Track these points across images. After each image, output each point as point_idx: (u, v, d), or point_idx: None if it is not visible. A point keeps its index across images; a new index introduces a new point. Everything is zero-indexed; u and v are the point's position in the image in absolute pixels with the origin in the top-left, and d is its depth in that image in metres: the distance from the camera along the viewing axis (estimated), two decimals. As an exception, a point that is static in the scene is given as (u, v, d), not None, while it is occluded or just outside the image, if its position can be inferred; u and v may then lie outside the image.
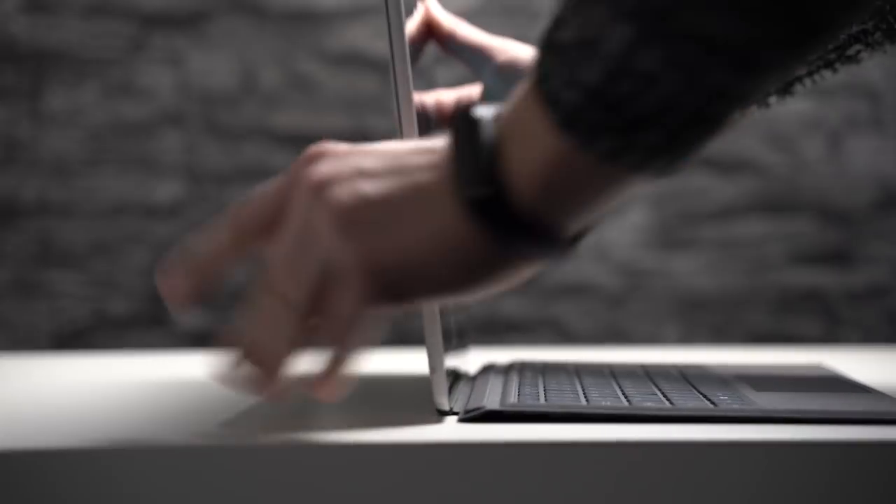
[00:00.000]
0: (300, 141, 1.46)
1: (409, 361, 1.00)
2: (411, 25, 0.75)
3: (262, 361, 0.60)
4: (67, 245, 1.44)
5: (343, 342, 0.60)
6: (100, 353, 1.22)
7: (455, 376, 0.79)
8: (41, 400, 0.76)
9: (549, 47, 0.56)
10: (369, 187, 0.60)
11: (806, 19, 0.54)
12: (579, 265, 1.45)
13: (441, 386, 0.68)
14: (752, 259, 1.46)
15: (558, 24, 0.56)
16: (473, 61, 0.86)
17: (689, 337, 1.45)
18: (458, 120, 0.59)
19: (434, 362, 0.68)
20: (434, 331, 0.68)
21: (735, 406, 0.67)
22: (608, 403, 0.67)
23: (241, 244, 0.62)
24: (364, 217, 0.59)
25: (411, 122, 0.68)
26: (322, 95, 1.45)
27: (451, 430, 0.63)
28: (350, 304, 0.60)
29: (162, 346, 1.44)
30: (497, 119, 0.59)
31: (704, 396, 0.70)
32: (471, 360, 1.03)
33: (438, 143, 0.60)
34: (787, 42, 0.54)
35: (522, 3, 1.45)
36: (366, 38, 1.45)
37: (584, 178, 0.57)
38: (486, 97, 0.84)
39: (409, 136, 0.68)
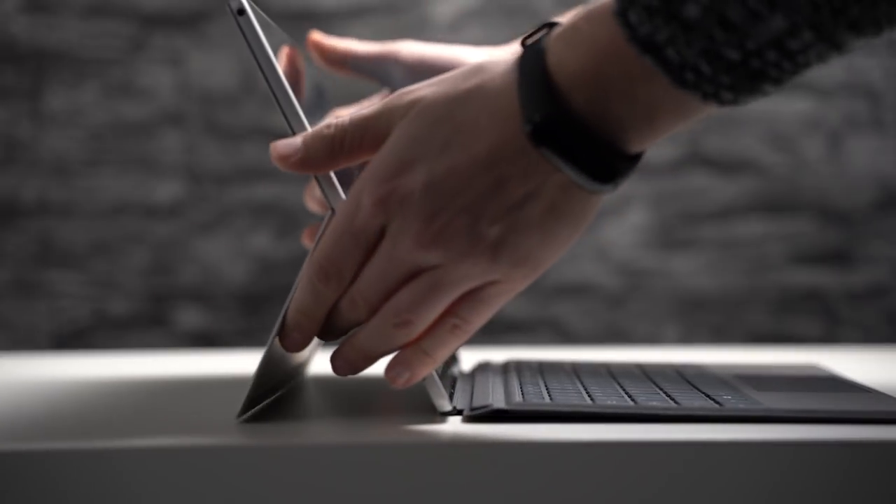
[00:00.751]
0: (300, 141, 1.46)
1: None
2: (283, 62, 0.74)
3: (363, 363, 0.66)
4: (67, 245, 1.44)
5: (457, 341, 0.65)
6: (100, 353, 1.22)
7: (452, 378, 0.79)
8: (41, 400, 0.76)
9: (663, 16, 0.57)
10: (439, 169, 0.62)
11: None
12: (579, 265, 1.46)
13: (436, 389, 0.68)
14: (752, 259, 1.46)
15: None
16: (378, 72, 0.86)
17: (689, 337, 1.45)
18: (525, 55, 0.62)
19: None
20: None
21: (741, 405, 0.67)
22: (614, 402, 0.67)
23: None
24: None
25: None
26: (322, 95, 1.45)
27: (458, 430, 0.63)
28: (504, 299, 0.64)
29: (162, 346, 1.44)
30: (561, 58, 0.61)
31: (708, 396, 0.70)
32: (463, 358, 1.03)
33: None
34: None
35: (522, 3, 1.45)
36: (366, 38, 1.45)
37: (674, 110, 0.59)
38: None
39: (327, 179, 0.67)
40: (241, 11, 0.65)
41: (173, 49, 1.45)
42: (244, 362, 1.03)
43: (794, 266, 1.46)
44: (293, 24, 1.45)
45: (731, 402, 0.68)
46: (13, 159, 1.44)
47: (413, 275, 0.63)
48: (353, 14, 1.45)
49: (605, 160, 0.60)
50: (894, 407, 0.68)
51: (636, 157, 0.62)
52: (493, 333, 1.45)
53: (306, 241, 0.89)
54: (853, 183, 1.46)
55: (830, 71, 1.45)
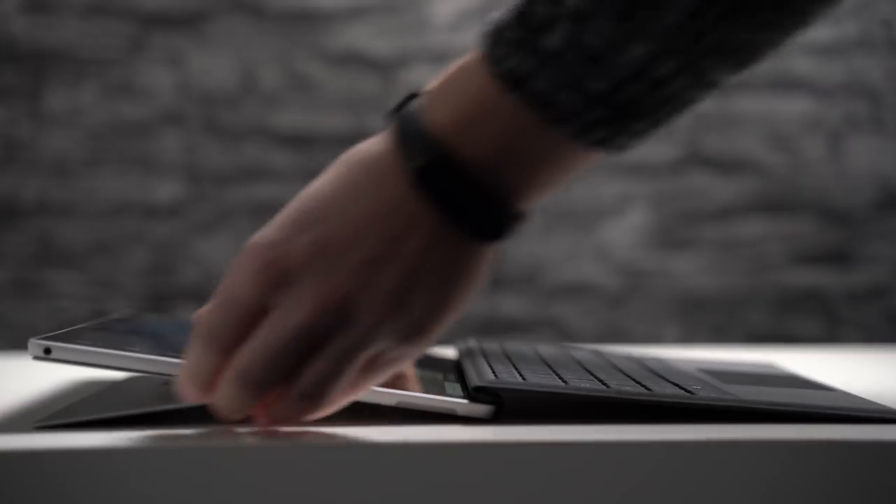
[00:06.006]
0: (300, 141, 1.46)
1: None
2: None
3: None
4: (67, 245, 1.45)
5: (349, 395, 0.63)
6: (100, 353, 1.22)
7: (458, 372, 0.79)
8: (40, 400, 0.76)
9: (526, 48, 0.57)
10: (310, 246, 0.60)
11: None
12: (579, 265, 1.46)
13: (469, 408, 0.67)
14: (752, 259, 1.46)
15: (540, 26, 0.56)
16: None
17: (689, 337, 1.45)
18: (400, 113, 0.60)
19: (446, 406, 0.67)
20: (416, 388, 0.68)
21: (714, 395, 0.67)
22: (588, 386, 0.67)
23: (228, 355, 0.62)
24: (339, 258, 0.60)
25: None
26: (322, 95, 1.45)
27: (458, 430, 0.63)
28: (405, 362, 0.62)
29: (162, 346, 1.45)
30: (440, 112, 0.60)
31: (677, 385, 0.70)
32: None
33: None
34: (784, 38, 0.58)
35: (522, 3, 1.45)
36: (366, 38, 1.45)
37: (551, 156, 0.59)
38: None
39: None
40: (48, 350, 0.64)
41: (173, 49, 1.45)
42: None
43: (794, 266, 1.46)
44: (293, 24, 1.45)
45: (701, 391, 0.68)
46: (13, 159, 1.44)
47: (312, 347, 0.60)
48: (353, 14, 1.45)
49: (488, 208, 0.59)
50: (865, 405, 0.67)
51: (519, 216, 0.61)
52: (493, 334, 1.45)
53: None
54: (853, 183, 1.46)
55: (831, 71, 1.45)
